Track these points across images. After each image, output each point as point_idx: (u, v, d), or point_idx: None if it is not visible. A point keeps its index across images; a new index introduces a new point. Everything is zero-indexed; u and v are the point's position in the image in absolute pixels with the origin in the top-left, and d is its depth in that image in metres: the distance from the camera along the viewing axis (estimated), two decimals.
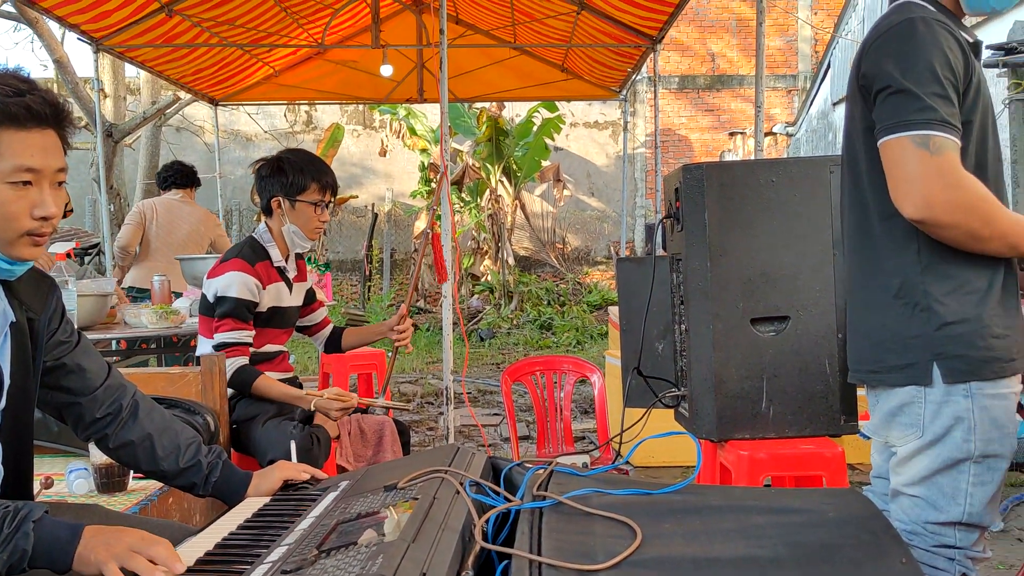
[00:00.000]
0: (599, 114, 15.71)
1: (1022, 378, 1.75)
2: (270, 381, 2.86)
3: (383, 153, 13.95)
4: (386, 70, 7.29)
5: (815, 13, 16.00)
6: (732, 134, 15.40)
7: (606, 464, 3.35)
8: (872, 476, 2.02)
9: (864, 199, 1.78)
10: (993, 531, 1.82)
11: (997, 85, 6.56)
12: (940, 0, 1.78)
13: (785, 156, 14.94)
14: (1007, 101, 5.66)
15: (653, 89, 8.62)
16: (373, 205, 14.96)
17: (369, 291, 14.06)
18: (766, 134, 14.93)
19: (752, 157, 5.02)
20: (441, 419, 4.77)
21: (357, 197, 14.77)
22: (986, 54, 5.96)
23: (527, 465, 1.75)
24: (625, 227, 10.30)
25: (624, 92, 9.22)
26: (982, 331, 1.67)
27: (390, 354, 3.67)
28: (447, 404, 4.35)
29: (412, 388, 7.77)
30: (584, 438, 5.55)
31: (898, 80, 1.63)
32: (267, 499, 1.76)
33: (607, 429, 3.70)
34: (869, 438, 1.91)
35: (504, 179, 13.24)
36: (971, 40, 1.79)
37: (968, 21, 1.88)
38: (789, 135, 14.62)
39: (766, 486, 3.06)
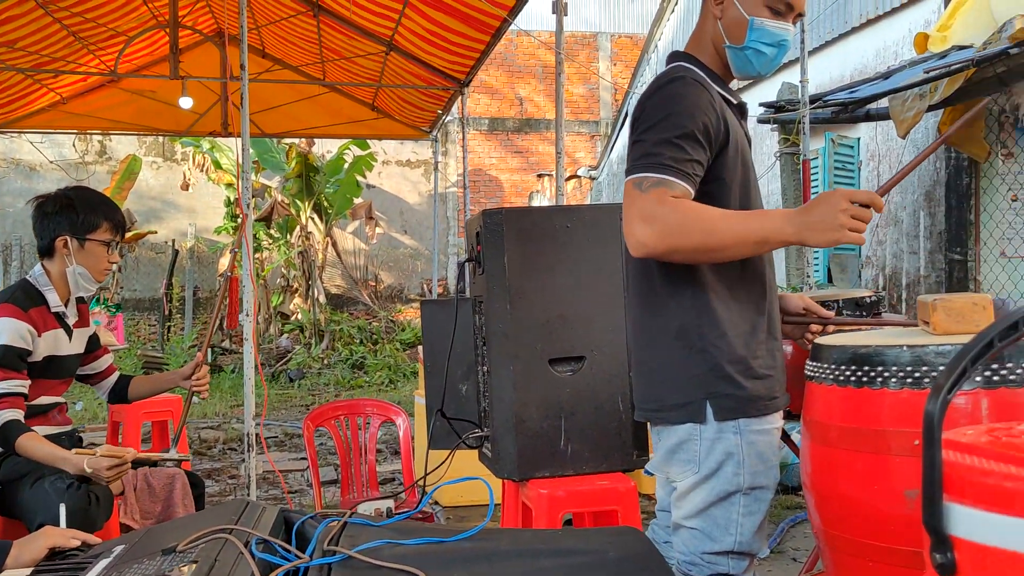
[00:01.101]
0: (411, 152, 15.80)
1: (783, 413, 1.91)
2: (36, 440, 2.59)
3: (185, 187, 13.33)
4: (185, 102, 6.99)
5: (615, 64, 16.95)
6: (540, 175, 15.93)
7: (412, 507, 3.32)
8: (657, 509, 2.12)
9: None
10: (760, 558, 1.95)
11: (770, 139, 7.20)
12: (708, 65, 1.93)
13: (589, 198, 15.62)
14: (778, 154, 6.22)
15: (465, 129, 8.78)
16: (174, 241, 14.22)
17: (169, 331, 13.30)
18: (571, 177, 15.58)
19: (556, 199, 5.21)
20: (243, 466, 4.56)
21: (156, 232, 14.01)
22: (759, 111, 6.53)
23: (321, 517, 1.71)
24: (437, 265, 10.36)
25: (434, 132, 9.33)
26: (748, 372, 1.80)
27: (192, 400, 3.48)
28: (248, 451, 4.17)
29: (214, 434, 7.40)
30: (394, 479, 5.49)
31: (639, 132, 1.76)
32: (28, 571, 1.61)
33: (412, 471, 3.67)
34: (653, 475, 2.01)
35: (315, 216, 13.00)
36: (735, 102, 1.95)
37: (736, 84, 2.04)
38: (592, 178, 15.31)
39: (567, 523, 3.14)
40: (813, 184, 7.49)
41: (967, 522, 0.83)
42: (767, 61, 1.91)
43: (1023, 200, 5.94)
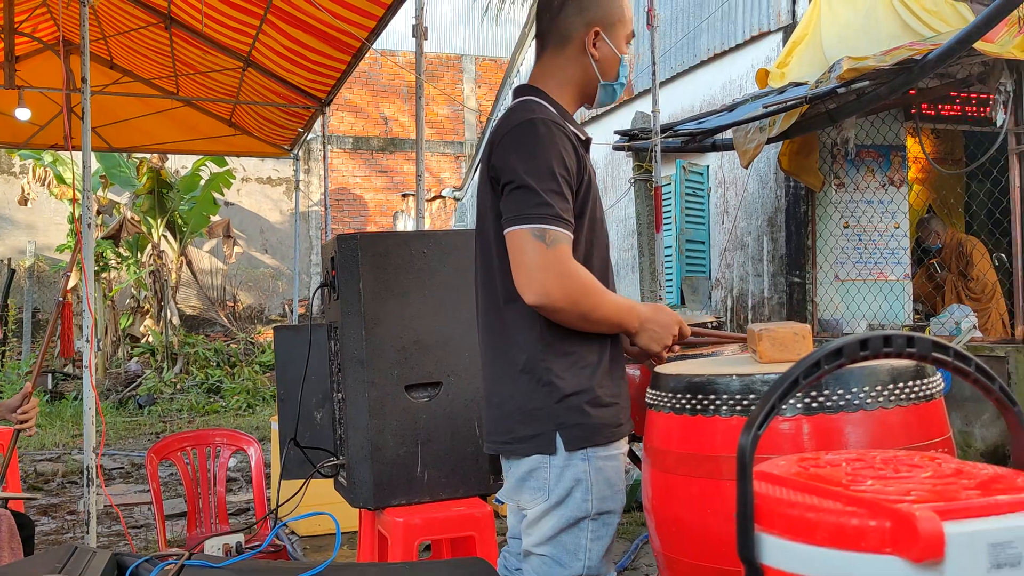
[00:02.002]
0: (272, 170, 15.42)
1: (629, 439, 1.97)
2: None
3: (24, 202, 12.50)
4: (22, 113, 6.57)
5: (479, 86, 17.14)
6: (405, 195, 15.88)
7: (263, 540, 3.21)
8: (509, 537, 2.14)
9: (494, 280, 1.91)
10: None
11: (626, 165, 7.47)
12: (558, 100, 1.99)
13: (453, 218, 15.67)
14: (632, 180, 6.45)
15: (326, 148, 8.65)
16: (11, 260, 13.30)
17: (3, 356, 12.40)
18: (435, 197, 15.60)
19: (420, 219, 5.20)
20: (81, 502, 4.29)
21: None
22: (615, 138, 6.76)
23: (157, 560, 1.63)
24: (299, 285, 10.13)
25: (296, 150, 9.15)
26: (594, 401, 1.85)
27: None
28: (88, 485, 3.93)
29: (53, 466, 6.93)
30: (248, 510, 5.30)
31: (521, 176, 1.78)
32: None
33: (264, 503, 3.56)
34: (504, 503, 2.03)
35: (168, 234, 12.46)
36: (583, 137, 2.01)
37: (587, 112, 2.11)
38: (456, 199, 15.39)
39: (424, 550, 3.12)
40: (667, 208, 7.80)
41: (776, 552, 0.88)
42: (621, 91, 2.06)
43: (853, 227, 6.38)
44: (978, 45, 3.98)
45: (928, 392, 1.56)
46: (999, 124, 4.78)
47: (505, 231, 1.79)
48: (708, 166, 7.66)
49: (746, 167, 5.90)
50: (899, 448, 1.50)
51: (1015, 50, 4.07)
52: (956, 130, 7.08)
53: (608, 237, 2.06)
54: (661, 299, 5.57)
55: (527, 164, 1.78)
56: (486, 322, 1.96)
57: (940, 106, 6.50)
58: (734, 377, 1.55)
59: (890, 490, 0.87)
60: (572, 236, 1.79)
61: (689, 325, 2.68)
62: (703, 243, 7.65)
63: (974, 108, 6.50)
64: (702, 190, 7.62)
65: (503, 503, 2.05)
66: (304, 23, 5.71)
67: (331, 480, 3.03)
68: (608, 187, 9.44)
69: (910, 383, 1.53)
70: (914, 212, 7.08)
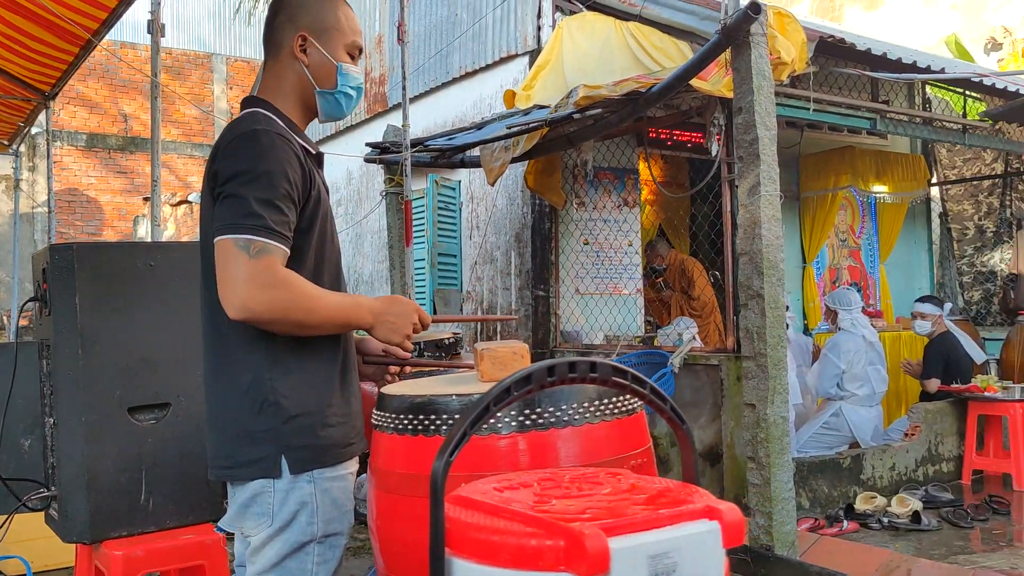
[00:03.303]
0: None
1: (359, 458, 1.96)
2: None
3: None
4: None
5: (231, 88, 16.43)
6: (147, 199, 14.86)
7: None
8: (235, 565, 2.05)
9: (215, 295, 1.83)
10: None
11: (379, 177, 7.47)
12: (286, 112, 1.95)
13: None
14: (383, 193, 6.47)
15: (51, 145, 7.90)
16: None
17: None
18: (181, 202, 14.74)
19: (164, 225, 4.89)
20: None
21: None
22: (366, 150, 6.75)
23: None
24: (18, 294, 9.18)
25: (16, 145, 8.29)
26: (322, 421, 1.82)
27: None
28: None
29: None
30: None
31: (235, 186, 1.73)
32: None
33: None
34: (225, 531, 1.95)
35: None
36: (314, 152, 1.98)
37: (328, 125, 2.08)
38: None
39: None
40: (420, 221, 7.89)
41: (465, 575, 0.92)
42: (351, 103, 2.01)
43: (592, 244, 6.80)
44: (694, 82, 4.39)
45: (631, 407, 1.68)
46: (714, 154, 5.30)
47: (214, 240, 1.73)
48: (460, 181, 7.84)
49: (492, 184, 6.10)
50: (608, 458, 1.62)
51: (724, 89, 4.53)
52: (682, 157, 7.76)
53: (340, 253, 2.04)
54: None
55: (244, 175, 1.73)
56: (208, 340, 1.87)
57: (670, 133, 7.11)
58: (453, 397, 1.59)
59: (571, 509, 0.93)
60: (286, 250, 1.74)
61: (427, 341, 2.73)
62: (455, 256, 7.81)
63: (696, 138, 7.18)
64: (454, 204, 7.79)
65: (224, 532, 1.97)
66: (26, 10, 5.19)
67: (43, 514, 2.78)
68: (363, 198, 9.39)
69: (615, 399, 1.65)
70: (646, 231, 7.67)
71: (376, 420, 1.73)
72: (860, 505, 5.07)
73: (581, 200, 6.77)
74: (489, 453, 1.56)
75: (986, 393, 5.84)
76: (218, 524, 2.01)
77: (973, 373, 6.28)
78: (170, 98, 14.82)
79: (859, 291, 8.19)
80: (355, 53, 2.00)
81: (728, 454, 5.31)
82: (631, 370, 1.04)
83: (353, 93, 1.99)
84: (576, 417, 1.58)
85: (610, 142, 6.73)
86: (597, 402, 1.61)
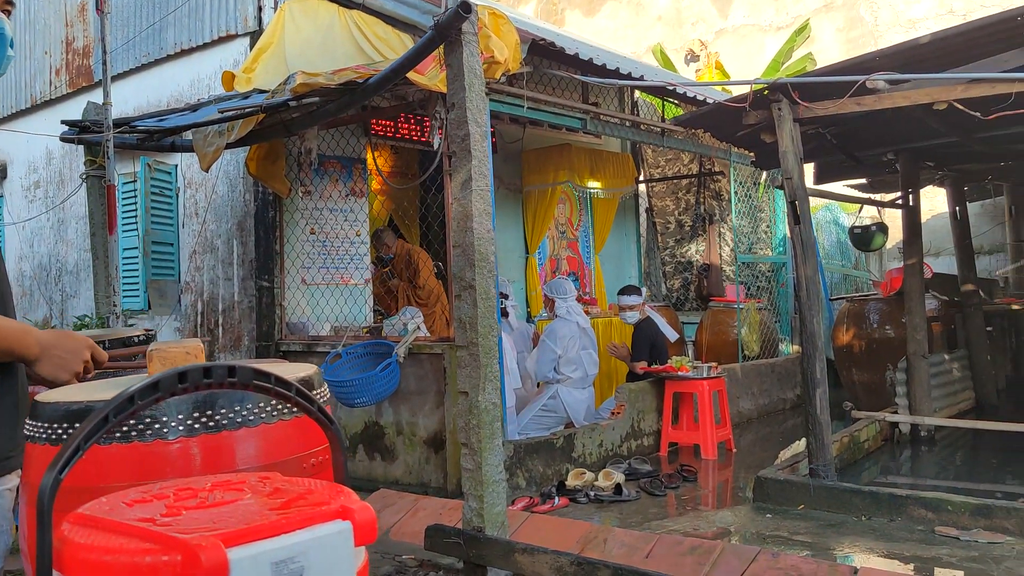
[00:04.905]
0: None
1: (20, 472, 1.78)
2: None
3: None
4: None
5: None
6: None
7: None
8: None
9: None
10: None
11: (80, 158, 6.84)
12: None
13: None
14: (84, 175, 5.93)
15: None
16: None
17: None
18: None
19: None
20: None
21: None
22: (63, 129, 6.15)
23: None
24: None
25: None
26: None
27: None
28: None
29: None
30: None
31: None
32: None
33: None
34: None
35: None
36: None
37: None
38: None
39: None
40: (130, 207, 7.33)
41: None
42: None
43: (319, 233, 6.68)
44: (411, 76, 4.44)
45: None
46: (436, 146, 5.40)
47: None
48: (177, 165, 7.37)
49: (206, 170, 5.80)
50: (286, 458, 1.59)
51: (440, 84, 4.62)
52: (412, 148, 7.83)
53: (4, 263, 1.86)
54: (116, 305, 5.20)
55: None
56: None
57: (396, 124, 7.13)
58: None
59: (198, 520, 0.90)
60: None
61: (113, 340, 2.54)
62: (172, 245, 7.35)
63: (416, 133, 7.29)
64: (170, 190, 7.31)
65: None
66: None
67: None
68: (66, 180, 8.55)
69: None
70: (376, 221, 7.66)
71: (28, 430, 1.58)
72: (571, 481, 5.42)
73: (307, 189, 6.63)
74: (156, 460, 1.48)
75: (679, 372, 6.46)
76: None
77: (668, 353, 6.93)
78: None
79: (576, 280, 8.75)
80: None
81: (451, 440, 5.45)
82: (274, 373, 1.02)
83: None
84: (251, 418, 1.54)
85: (335, 131, 6.64)
86: (275, 402, 1.58)
